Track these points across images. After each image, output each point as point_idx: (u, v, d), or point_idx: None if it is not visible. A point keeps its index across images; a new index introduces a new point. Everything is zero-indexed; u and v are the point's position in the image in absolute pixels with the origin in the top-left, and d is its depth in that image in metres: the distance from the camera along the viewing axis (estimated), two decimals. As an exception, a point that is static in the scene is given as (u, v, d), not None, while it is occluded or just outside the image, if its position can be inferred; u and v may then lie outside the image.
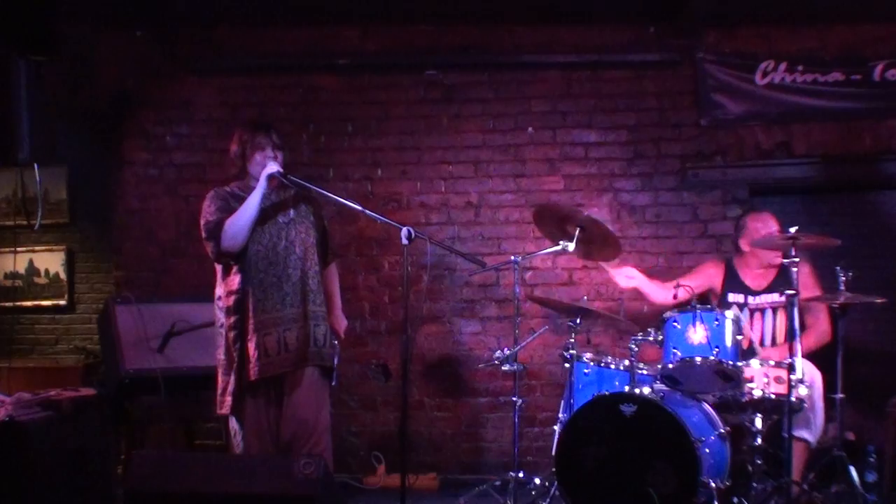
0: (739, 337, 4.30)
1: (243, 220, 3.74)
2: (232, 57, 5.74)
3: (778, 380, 4.15)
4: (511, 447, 4.67)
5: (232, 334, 3.78)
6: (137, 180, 5.78)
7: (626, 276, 4.85)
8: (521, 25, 5.62)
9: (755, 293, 4.75)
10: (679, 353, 4.24)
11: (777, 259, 4.66)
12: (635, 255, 5.53)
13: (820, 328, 4.67)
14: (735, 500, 4.22)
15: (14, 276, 6.73)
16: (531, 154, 5.65)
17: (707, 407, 4.36)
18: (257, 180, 3.80)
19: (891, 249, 5.64)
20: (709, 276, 4.90)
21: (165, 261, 5.73)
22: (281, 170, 3.81)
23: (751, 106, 5.50)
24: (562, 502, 4.18)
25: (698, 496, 3.89)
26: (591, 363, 4.56)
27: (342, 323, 4.16)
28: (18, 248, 6.73)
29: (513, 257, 4.73)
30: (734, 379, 4.19)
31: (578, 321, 4.58)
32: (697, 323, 4.24)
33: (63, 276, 6.78)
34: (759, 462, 4.19)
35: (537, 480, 4.62)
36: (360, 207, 3.92)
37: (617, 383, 4.46)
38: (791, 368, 4.02)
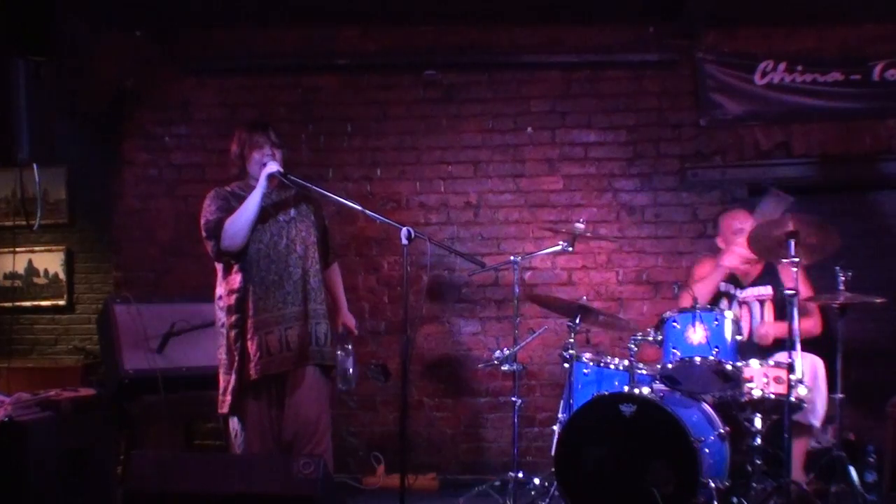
0: (739, 337, 4.31)
1: (243, 220, 3.74)
2: (231, 57, 5.74)
3: (777, 380, 4.16)
4: (510, 447, 4.67)
5: (233, 333, 3.78)
6: (137, 180, 5.78)
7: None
8: (521, 25, 5.62)
9: (742, 286, 4.77)
10: (678, 353, 4.24)
11: (752, 255, 4.63)
12: (634, 255, 5.54)
13: (810, 318, 4.67)
14: (734, 500, 4.22)
15: (13, 276, 6.72)
16: (530, 154, 5.65)
17: (706, 407, 4.37)
18: (257, 180, 3.80)
19: (891, 249, 5.64)
20: (703, 274, 4.89)
21: (165, 261, 5.73)
22: (280, 169, 3.81)
23: (750, 106, 5.51)
24: (561, 502, 4.18)
25: (698, 496, 3.89)
26: (591, 363, 4.56)
27: (351, 320, 4.20)
28: (18, 249, 6.72)
29: (512, 257, 4.74)
30: (733, 379, 4.19)
31: (578, 321, 4.58)
32: (697, 323, 4.24)
33: (62, 276, 6.77)
34: (758, 462, 4.20)
35: (537, 480, 4.62)
36: (359, 207, 3.92)
37: (616, 383, 4.46)
38: (791, 368, 4.02)
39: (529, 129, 5.66)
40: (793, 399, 4.06)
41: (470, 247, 5.57)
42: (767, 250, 4.34)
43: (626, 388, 4.28)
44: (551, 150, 5.64)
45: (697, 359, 4.18)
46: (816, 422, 4.46)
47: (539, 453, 5.44)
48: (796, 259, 4.09)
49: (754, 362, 4.26)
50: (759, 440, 4.22)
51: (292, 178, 3.86)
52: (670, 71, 5.58)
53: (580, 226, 4.62)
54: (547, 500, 4.39)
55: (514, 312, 4.72)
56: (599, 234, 5.29)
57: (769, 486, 4.16)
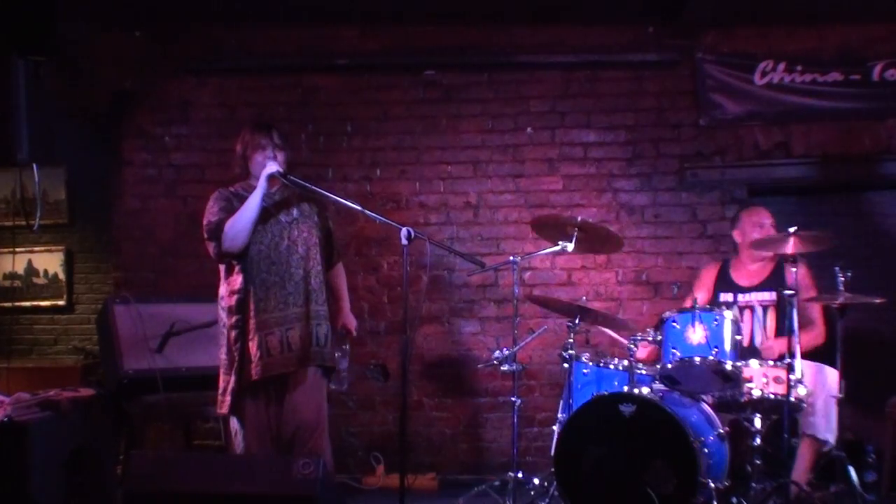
0: (738, 337, 4.31)
1: (243, 221, 3.75)
2: (231, 57, 5.74)
3: (777, 380, 4.16)
4: (510, 447, 4.67)
5: (233, 334, 3.78)
6: (136, 180, 5.78)
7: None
8: (520, 26, 5.62)
9: (745, 290, 4.76)
10: (678, 353, 4.24)
11: (767, 252, 4.67)
12: (634, 256, 5.54)
13: (814, 329, 4.67)
14: (734, 500, 4.22)
15: (13, 276, 6.72)
16: (530, 154, 5.65)
17: (706, 407, 4.37)
18: (259, 180, 3.81)
19: (890, 249, 5.65)
20: (707, 280, 4.90)
21: (164, 261, 5.73)
22: (281, 169, 3.80)
23: (750, 106, 5.51)
24: (561, 502, 4.18)
25: (697, 496, 3.89)
26: (590, 363, 4.56)
27: (352, 322, 4.18)
28: (17, 249, 6.72)
29: (511, 257, 4.73)
30: (733, 379, 4.19)
31: (577, 321, 4.58)
32: (696, 323, 4.24)
33: (62, 276, 6.77)
34: (758, 462, 4.19)
35: (536, 480, 4.61)
36: (359, 207, 3.92)
37: (616, 383, 4.46)
38: (790, 368, 4.02)
39: (529, 130, 5.66)
40: (793, 399, 4.06)
41: (469, 247, 5.57)
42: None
43: (625, 388, 4.28)
44: (551, 151, 5.65)
45: (697, 359, 4.18)
46: (830, 437, 4.40)
47: (539, 453, 5.44)
48: (796, 259, 4.10)
49: (754, 362, 4.26)
50: (758, 440, 4.22)
51: (292, 178, 3.86)
52: (670, 71, 5.59)
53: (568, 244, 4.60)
54: (546, 500, 4.39)
55: (514, 312, 4.72)
56: (601, 227, 5.24)
57: (769, 486, 4.16)
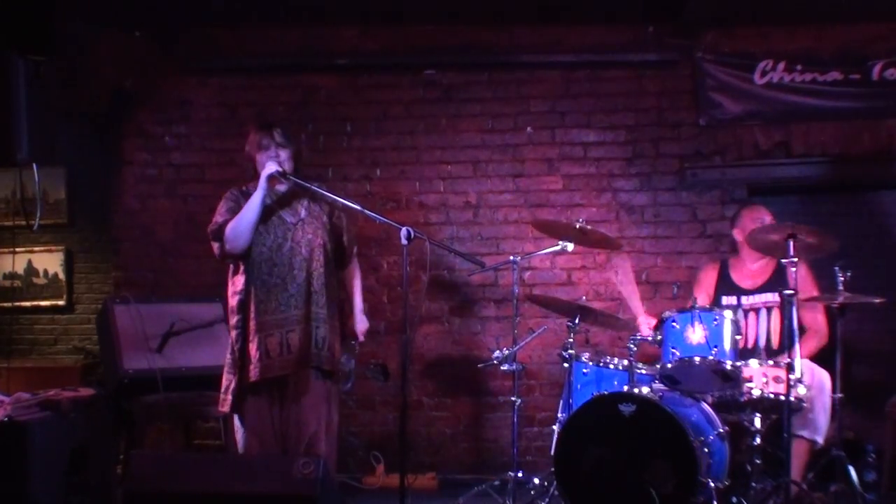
0: (738, 337, 4.30)
1: (243, 223, 3.75)
2: (231, 57, 5.74)
3: (777, 379, 4.15)
4: (510, 447, 4.67)
5: (234, 334, 3.79)
6: (136, 180, 5.78)
7: (650, 326, 4.71)
8: (520, 25, 5.62)
9: (748, 293, 4.75)
10: (678, 353, 4.24)
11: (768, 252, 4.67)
12: (634, 256, 5.53)
13: (818, 331, 4.67)
14: (734, 499, 4.22)
15: (13, 276, 6.72)
16: (530, 154, 5.66)
17: (706, 406, 4.36)
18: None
19: (891, 249, 5.64)
20: (707, 282, 4.89)
21: (164, 261, 5.73)
22: (280, 169, 3.80)
23: (749, 105, 5.51)
24: (561, 502, 4.17)
25: (697, 496, 3.89)
26: (590, 363, 4.56)
27: (363, 325, 4.12)
28: (17, 249, 6.72)
29: (511, 257, 4.74)
30: (733, 378, 4.19)
31: (577, 321, 4.58)
32: (696, 323, 4.24)
33: (62, 276, 6.77)
34: (758, 461, 4.19)
35: (536, 480, 4.62)
36: (359, 207, 3.91)
37: (616, 383, 4.46)
38: (790, 368, 4.02)
39: (529, 129, 5.66)
40: (792, 399, 4.06)
41: (469, 247, 5.57)
42: (768, 248, 4.36)
43: (625, 388, 4.28)
44: (551, 150, 5.65)
45: (697, 358, 4.18)
46: (820, 438, 4.43)
47: (539, 453, 5.44)
48: (795, 259, 4.09)
49: (754, 362, 4.26)
50: (758, 440, 4.22)
51: (292, 177, 3.85)
52: (670, 71, 5.59)
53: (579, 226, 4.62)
54: (546, 499, 4.39)
55: (514, 312, 4.72)
56: (601, 232, 5.25)
57: (769, 486, 4.16)
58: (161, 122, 5.79)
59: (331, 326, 3.87)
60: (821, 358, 4.59)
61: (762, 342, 4.68)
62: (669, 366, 4.26)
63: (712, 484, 3.93)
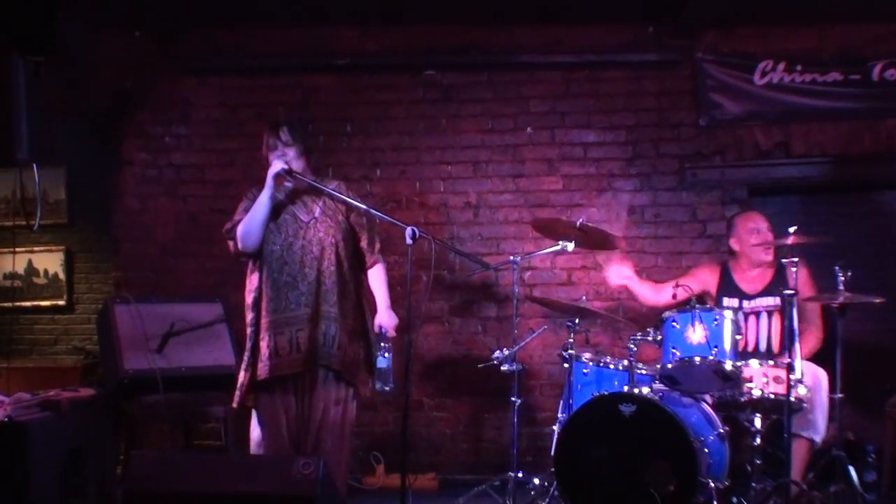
0: (738, 337, 4.30)
1: (252, 222, 3.82)
2: (231, 57, 5.74)
3: (777, 379, 4.15)
4: (510, 447, 4.66)
5: (249, 331, 3.86)
6: (136, 181, 5.78)
7: (619, 275, 4.86)
8: (520, 25, 5.62)
9: (750, 297, 4.75)
10: (678, 353, 4.24)
11: (767, 257, 4.68)
12: (634, 255, 5.53)
13: (813, 335, 4.67)
14: (734, 499, 4.22)
15: (13, 276, 6.72)
16: (530, 154, 5.65)
17: (706, 407, 4.37)
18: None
19: (891, 249, 5.64)
20: (703, 279, 4.90)
21: (164, 261, 5.73)
22: (286, 167, 3.82)
23: (749, 106, 5.51)
24: (561, 502, 4.18)
25: (697, 496, 3.89)
26: (590, 363, 4.55)
27: (391, 321, 4.00)
28: (17, 249, 6.71)
29: (511, 257, 4.73)
30: (733, 379, 4.19)
31: (577, 321, 4.58)
32: (696, 323, 4.24)
33: (62, 276, 6.77)
34: (758, 462, 4.19)
35: (536, 480, 4.61)
36: (364, 206, 3.92)
37: (616, 383, 4.45)
38: (790, 368, 4.02)
39: (529, 130, 5.66)
40: (793, 399, 4.06)
41: (470, 247, 5.57)
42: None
43: (625, 388, 4.28)
44: (551, 151, 5.65)
45: (697, 359, 4.18)
46: (818, 437, 4.44)
47: (539, 453, 5.43)
48: (795, 259, 4.10)
49: (754, 362, 4.26)
50: (758, 440, 4.22)
51: (298, 175, 3.87)
52: (670, 71, 5.58)
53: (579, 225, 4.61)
54: (546, 500, 4.38)
55: (514, 312, 4.72)
56: (602, 229, 5.21)
57: (769, 486, 4.16)
58: (161, 122, 5.79)
59: (343, 326, 3.87)
60: (819, 357, 4.60)
61: (762, 346, 4.68)
62: (669, 366, 4.27)
63: (712, 484, 3.93)
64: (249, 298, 3.89)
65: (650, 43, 5.56)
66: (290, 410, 3.82)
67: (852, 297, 4.18)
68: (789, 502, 4.04)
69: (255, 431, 3.91)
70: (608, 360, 4.57)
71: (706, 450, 4.03)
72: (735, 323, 4.31)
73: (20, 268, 6.73)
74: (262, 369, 3.76)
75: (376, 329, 3.99)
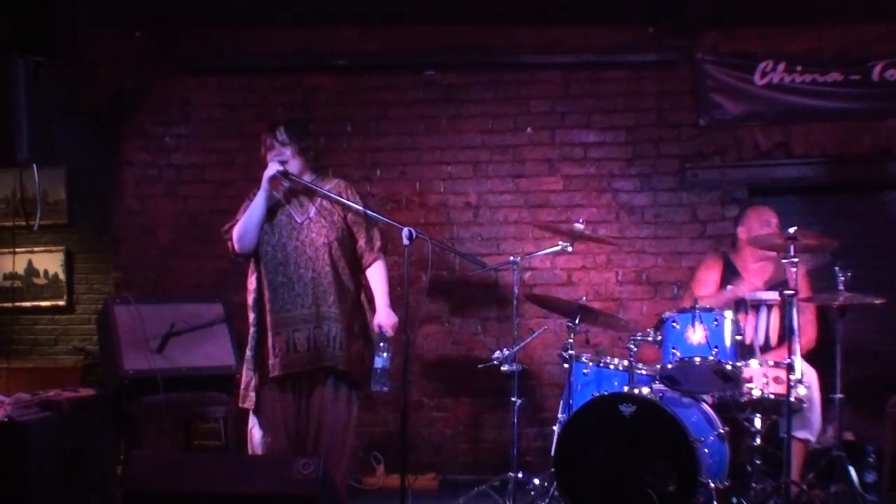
0: (738, 337, 4.31)
1: (248, 223, 3.84)
2: (231, 57, 5.74)
3: (777, 380, 4.16)
4: (510, 447, 4.66)
5: (251, 331, 3.89)
6: (136, 181, 5.78)
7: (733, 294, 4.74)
8: (520, 26, 5.62)
9: (754, 287, 4.76)
10: (678, 353, 4.25)
11: (772, 252, 4.68)
12: (634, 255, 5.54)
13: (807, 333, 4.66)
14: (734, 499, 4.22)
15: (13, 276, 6.72)
16: (530, 154, 5.65)
17: (706, 407, 4.37)
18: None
19: (891, 249, 5.64)
20: (710, 278, 4.89)
21: (164, 261, 5.73)
22: (281, 169, 3.83)
23: (750, 106, 5.51)
24: (561, 502, 4.18)
25: (697, 496, 3.89)
26: (590, 363, 4.56)
27: (389, 319, 3.94)
28: (17, 249, 6.72)
29: (511, 258, 4.74)
30: (733, 379, 4.19)
31: (577, 321, 4.58)
32: (696, 323, 4.24)
33: (62, 276, 6.77)
34: (758, 462, 4.20)
35: (536, 481, 4.61)
36: (361, 208, 3.93)
37: (616, 383, 4.46)
38: (790, 368, 4.02)
39: (529, 130, 5.66)
40: (792, 399, 4.07)
41: (470, 247, 5.57)
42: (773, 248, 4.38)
43: (625, 389, 4.28)
44: (551, 151, 5.64)
45: (697, 359, 4.19)
46: (812, 437, 4.46)
47: (539, 453, 5.44)
48: (796, 259, 4.10)
49: (754, 362, 4.27)
50: (758, 440, 4.22)
51: (293, 177, 3.87)
52: (670, 71, 5.58)
53: (579, 226, 4.62)
54: (546, 500, 4.38)
55: (514, 312, 4.72)
56: (599, 235, 5.25)
57: (769, 486, 4.16)
58: (161, 122, 5.79)
59: (343, 326, 3.87)
60: (819, 357, 4.59)
61: (761, 339, 4.67)
62: (669, 366, 4.27)
63: (712, 484, 3.93)
64: (250, 299, 3.92)
65: (650, 43, 5.57)
66: (289, 411, 3.83)
67: (852, 297, 4.18)
68: (789, 502, 4.04)
69: (255, 432, 3.91)
70: (608, 360, 4.57)
71: (706, 450, 4.03)
72: (735, 323, 4.31)
73: (20, 268, 6.73)
74: (274, 367, 3.79)
75: (375, 329, 3.97)
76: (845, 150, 5.50)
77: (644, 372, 4.45)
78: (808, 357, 4.57)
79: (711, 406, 4.37)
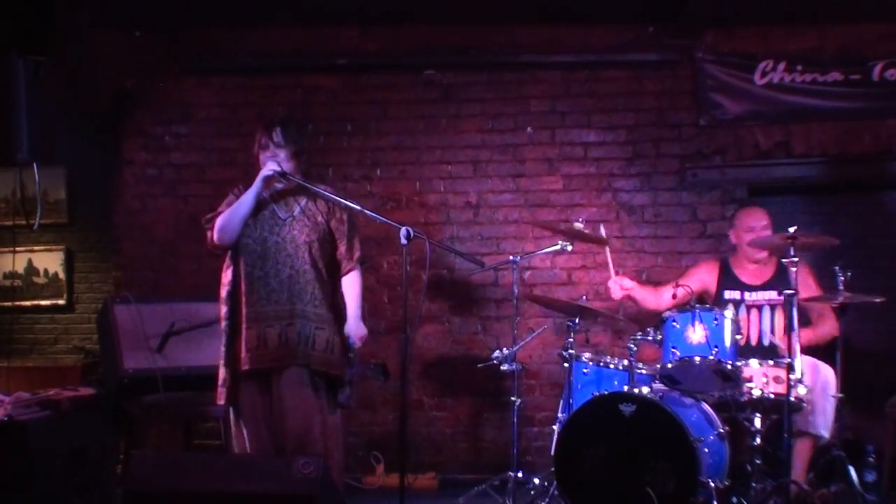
0: (738, 336, 4.31)
1: (233, 217, 3.83)
2: (231, 57, 5.74)
3: (777, 379, 4.16)
4: (510, 447, 4.67)
5: (223, 325, 3.85)
6: (136, 180, 5.78)
7: (621, 286, 4.85)
8: (520, 25, 5.62)
9: (752, 289, 4.76)
10: (678, 353, 4.25)
11: (759, 255, 4.70)
12: (634, 255, 5.54)
13: (826, 324, 4.67)
14: (734, 499, 4.22)
15: (13, 275, 6.73)
16: (530, 154, 5.65)
17: (706, 406, 4.37)
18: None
19: (891, 249, 5.64)
20: (702, 278, 4.91)
21: (164, 260, 5.73)
22: (278, 169, 3.83)
23: (750, 106, 5.51)
24: (561, 502, 4.18)
25: (697, 496, 3.89)
26: (590, 363, 4.56)
27: (359, 331, 3.98)
28: (17, 248, 6.73)
29: (511, 257, 4.74)
30: (733, 378, 4.19)
31: (577, 321, 4.58)
32: (696, 322, 4.24)
33: (62, 275, 6.78)
34: (758, 462, 4.20)
35: (536, 480, 4.61)
36: (359, 207, 3.93)
37: (616, 383, 4.46)
38: (790, 368, 4.02)
39: (529, 129, 5.66)
40: (792, 399, 4.07)
41: (470, 246, 5.57)
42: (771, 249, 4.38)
43: (625, 388, 4.28)
44: (551, 150, 5.64)
45: (697, 358, 4.19)
46: (825, 433, 4.43)
47: (538, 453, 5.44)
48: (796, 259, 4.10)
49: (754, 362, 4.27)
50: (758, 440, 4.22)
51: (291, 176, 3.88)
52: (670, 71, 5.58)
53: (579, 224, 4.62)
54: (546, 499, 4.39)
55: (514, 312, 4.72)
56: (598, 235, 5.23)
57: (769, 486, 4.16)
58: (161, 122, 5.79)
59: (319, 326, 3.84)
60: (823, 355, 4.59)
61: (765, 340, 4.68)
62: (669, 366, 4.27)
63: (712, 484, 3.93)
64: (223, 292, 3.86)
65: (650, 43, 5.57)
66: (265, 407, 3.80)
67: (852, 297, 4.18)
68: (789, 502, 4.04)
69: (235, 428, 3.87)
70: (608, 360, 4.57)
71: (706, 449, 4.03)
72: (735, 323, 4.31)
73: (20, 267, 6.74)
74: (244, 361, 3.76)
75: (344, 338, 3.94)
76: (845, 150, 5.50)
77: (644, 371, 4.45)
78: (823, 355, 4.56)
79: (711, 405, 4.37)
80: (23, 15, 3.43)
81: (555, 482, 4.22)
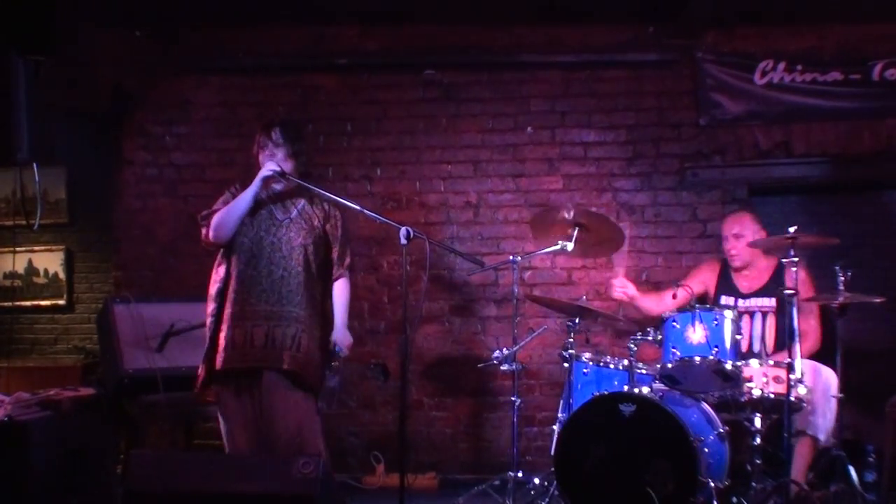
0: (739, 336, 4.30)
1: (230, 215, 3.83)
2: (231, 56, 5.74)
3: (777, 379, 4.16)
4: (510, 447, 4.67)
5: (209, 321, 3.85)
6: (136, 180, 5.78)
7: (620, 287, 4.83)
8: (520, 25, 5.62)
9: (745, 296, 4.75)
10: (678, 353, 4.24)
11: (735, 262, 4.72)
12: (634, 255, 5.52)
13: (808, 341, 4.64)
14: (734, 499, 4.22)
15: (13, 275, 6.73)
16: (530, 154, 5.65)
17: (706, 406, 4.36)
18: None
19: (891, 249, 5.64)
20: (703, 279, 4.90)
21: (164, 260, 5.73)
22: (277, 169, 3.82)
23: (750, 105, 5.51)
24: (561, 502, 4.18)
25: (697, 496, 3.89)
26: (590, 363, 4.56)
27: (345, 339, 3.93)
28: (17, 248, 6.73)
29: (511, 257, 4.74)
30: (733, 378, 4.19)
31: (577, 321, 4.58)
32: (696, 323, 4.24)
33: (62, 275, 6.78)
34: (758, 461, 4.19)
35: (536, 480, 4.61)
36: (358, 207, 3.93)
37: (616, 383, 4.46)
38: (790, 368, 4.02)
39: (529, 129, 5.66)
40: (793, 399, 4.06)
41: (470, 246, 5.57)
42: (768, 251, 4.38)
43: (625, 388, 4.28)
44: (551, 150, 5.65)
45: (697, 358, 4.18)
46: (823, 436, 4.42)
47: (538, 453, 5.44)
48: (796, 259, 4.10)
49: (754, 362, 4.26)
50: (758, 440, 4.22)
51: (290, 177, 3.87)
52: (670, 71, 5.59)
53: (568, 215, 4.57)
54: (546, 499, 4.39)
55: (514, 312, 4.72)
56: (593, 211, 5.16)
57: (769, 486, 4.15)
58: (161, 121, 5.79)
59: (306, 329, 3.82)
60: (819, 357, 4.59)
61: (756, 346, 4.66)
62: (670, 366, 4.27)
63: (712, 484, 3.93)
64: (213, 289, 3.86)
65: (650, 43, 5.57)
66: (249, 405, 3.79)
67: (852, 297, 4.17)
68: (789, 502, 4.04)
69: (222, 426, 3.86)
70: (608, 360, 4.57)
71: (706, 450, 4.03)
72: (735, 323, 4.30)
73: (20, 267, 6.74)
74: (218, 361, 3.75)
75: (331, 345, 3.91)
76: (846, 150, 5.50)
77: (644, 371, 4.45)
78: (820, 356, 4.56)
79: (711, 405, 4.37)
80: (23, 15, 3.43)
81: (555, 482, 4.22)
